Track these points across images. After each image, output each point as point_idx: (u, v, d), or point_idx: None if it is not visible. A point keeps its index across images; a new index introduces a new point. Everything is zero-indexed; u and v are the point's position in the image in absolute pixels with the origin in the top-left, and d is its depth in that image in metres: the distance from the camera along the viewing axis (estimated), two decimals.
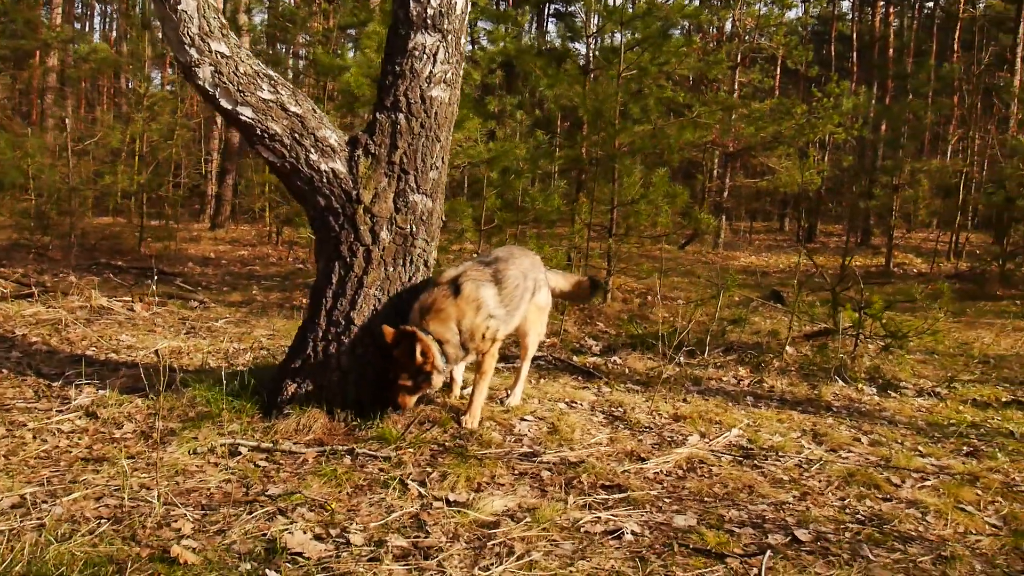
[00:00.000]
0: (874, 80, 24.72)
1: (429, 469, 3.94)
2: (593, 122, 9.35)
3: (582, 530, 3.37)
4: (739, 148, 19.93)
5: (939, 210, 17.90)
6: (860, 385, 6.52)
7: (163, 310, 8.00)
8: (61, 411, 4.63)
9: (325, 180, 4.54)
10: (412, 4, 4.61)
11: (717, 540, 3.33)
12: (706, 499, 3.82)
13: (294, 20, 15.34)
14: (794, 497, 3.92)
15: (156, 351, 6.26)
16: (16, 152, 11.56)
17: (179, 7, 4.36)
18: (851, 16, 34.50)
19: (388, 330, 4.24)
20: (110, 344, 6.49)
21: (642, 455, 4.32)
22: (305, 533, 3.16)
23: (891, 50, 26.50)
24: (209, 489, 3.65)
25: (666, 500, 3.77)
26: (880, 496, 4.00)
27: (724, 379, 6.53)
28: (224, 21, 4.57)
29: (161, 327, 7.20)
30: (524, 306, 4.71)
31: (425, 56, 4.64)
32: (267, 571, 2.85)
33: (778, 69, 25.39)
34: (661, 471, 4.14)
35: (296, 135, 4.51)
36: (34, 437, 4.22)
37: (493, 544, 3.18)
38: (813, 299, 9.78)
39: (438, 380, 4.33)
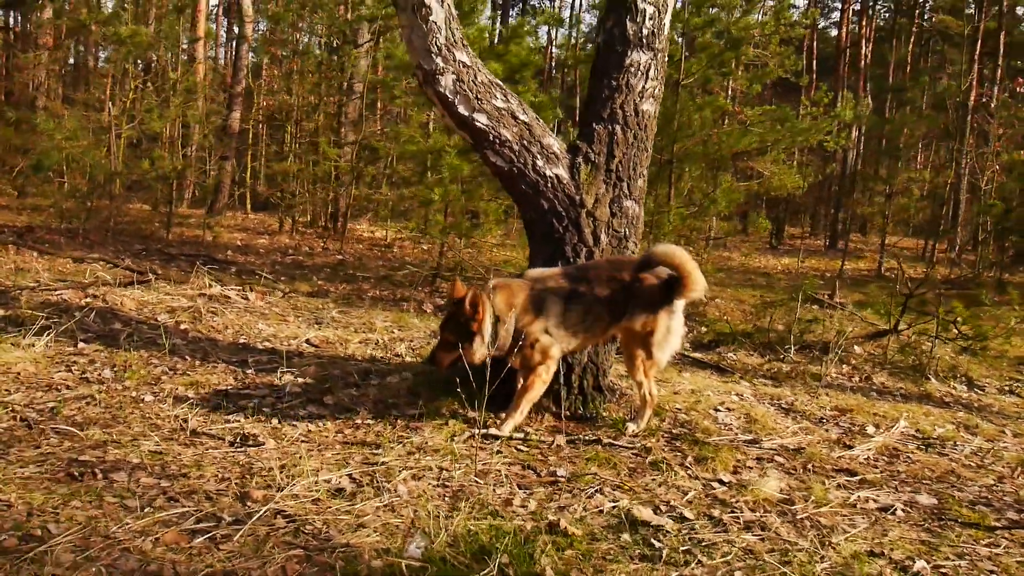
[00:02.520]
0: (860, 90, 25.86)
1: (677, 453, 4.33)
2: (663, 128, 9.81)
3: (858, 507, 3.81)
4: (733, 153, 20.62)
5: (928, 219, 18.99)
6: (952, 383, 7.14)
7: (275, 299, 8.15)
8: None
9: (549, 185, 4.87)
10: (629, 24, 4.98)
11: (975, 515, 3.81)
12: (925, 481, 4.31)
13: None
14: (994, 479, 4.43)
15: (307, 340, 6.48)
16: (58, 134, 11.41)
17: (430, 18, 4.66)
18: (837, 27, 35.75)
19: (460, 285, 4.45)
20: (253, 332, 6.67)
21: (845, 443, 4.79)
22: (644, 508, 3.53)
23: (863, 60, 27.70)
24: (500, 472, 3.96)
25: (895, 482, 4.24)
26: None
27: (835, 375, 7.06)
28: (463, 32, 4.87)
29: (287, 317, 7.38)
30: (596, 326, 4.56)
31: (639, 72, 5.01)
32: (650, 539, 3.21)
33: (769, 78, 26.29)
34: (868, 457, 4.61)
35: (524, 142, 4.84)
36: (279, 423, 4.46)
37: (802, 519, 3.59)
38: (859, 299, 10.44)
39: (480, 351, 4.33)
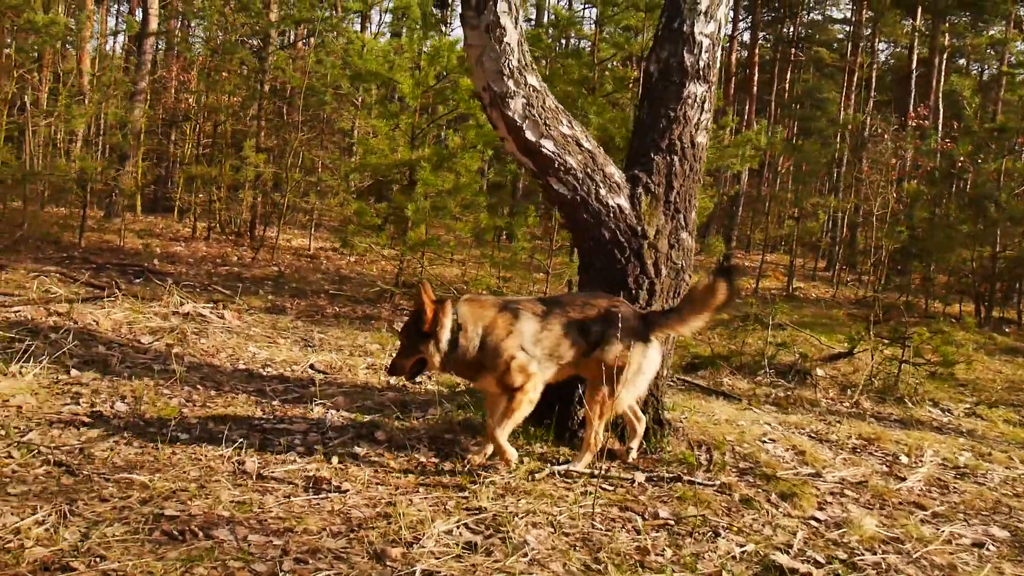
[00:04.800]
0: (770, 116, 27.04)
1: (758, 490, 4.33)
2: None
3: (953, 543, 3.91)
4: None
5: (830, 243, 20.06)
6: (925, 407, 7.51)
7: (251, 319, 7.66)
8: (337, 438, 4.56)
9: (612, 215, 4.79)
10: (687, 56, 4.96)
11: None
12: (983, 513, 4.47)
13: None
14: None
15: (312, 366, 6.13)
16: None
17: (504, 39, 4.50)
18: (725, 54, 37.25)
19: (429, 290, 4.26)
20: (248, 356, 6.25)
21: (896, 474, 4.93)
22: (778, 553, 3.48)
23: (754, 86, 29.02)
24: (592, 513, 3.82)
25: (960, 515, 4.38)
26: None
27: (821, 399, 7.28)
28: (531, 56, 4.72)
29: (275, 339, 6.95)
30: (571, 357, 4.38)
31: (696, 104, 5.00)
32: None
33: None
34: (922, 489, 4.75)
35: (588, 170, 4.74)
36: (340, 463, 4.18)
37: (917, 558, 3.65)
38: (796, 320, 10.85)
39: (436, 358, 4.22)
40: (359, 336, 7.77)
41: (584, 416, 4.50)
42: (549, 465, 4.34)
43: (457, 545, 3.29)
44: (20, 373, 5.06)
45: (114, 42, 20.67)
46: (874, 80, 32.12)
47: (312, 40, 14.35)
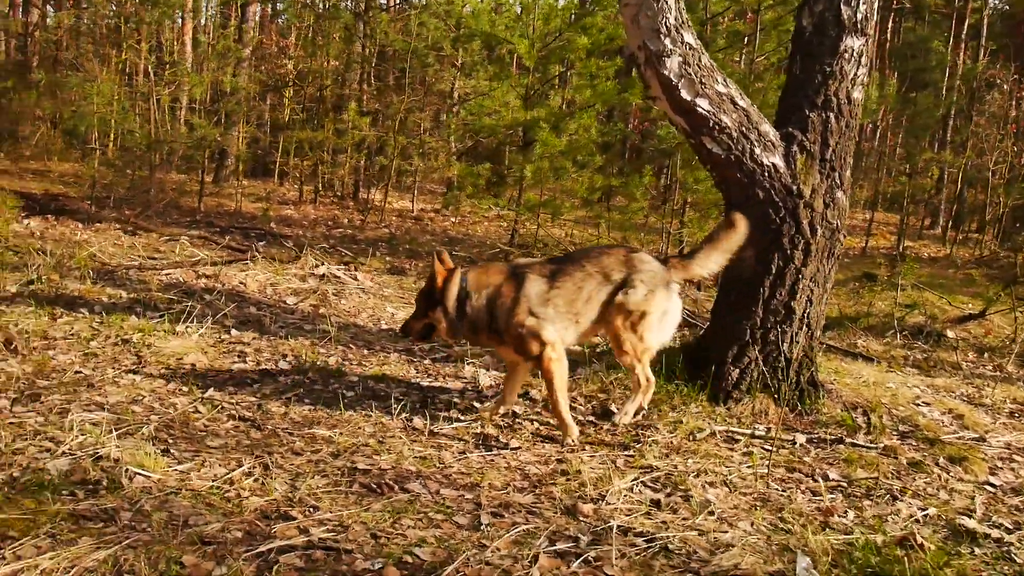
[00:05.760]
0: (885, 71, 25.92)
1: (923, 454, 4.25)
2: None
3: None
4: None
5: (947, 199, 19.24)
6: None
7: (381, 280, 7.86)
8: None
9: (767, 174, 4.70)
10: (844, 8, 4.79)
11: None
12: None
13: None
14: None
15: None
16: (95, 99, 10.79)
17: None
18: None
19: (446, 258, 4.26)
20: (387, 316, 6.41)
21: None
22: (964, 517, 3.43)
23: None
24: (759, 474, 3.81)
25: None
26: None
27: (961, 362, 7.06)
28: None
29: (407, 298, 7.12)
30: (595, 313, 4.24)
31: (852, 58, 4.83)
32: (1004, 552, 3.12)
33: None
34: None
35: (743, 128, 4.65)
36: (502, 421, 4.27)
37: None
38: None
39: (443, 323, 4.20)
40: None
41: (632, 377, 4.39)
42: (709, 424, 4.34)
43: (641, 503, 3.35)
44: (187, 332, 5.32)
45: (215, 12, 21.11)
46: (985, 27, 30.39)
47: (415, 1, 14.33)
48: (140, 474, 3.19)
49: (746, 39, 10.44)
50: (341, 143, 14.93)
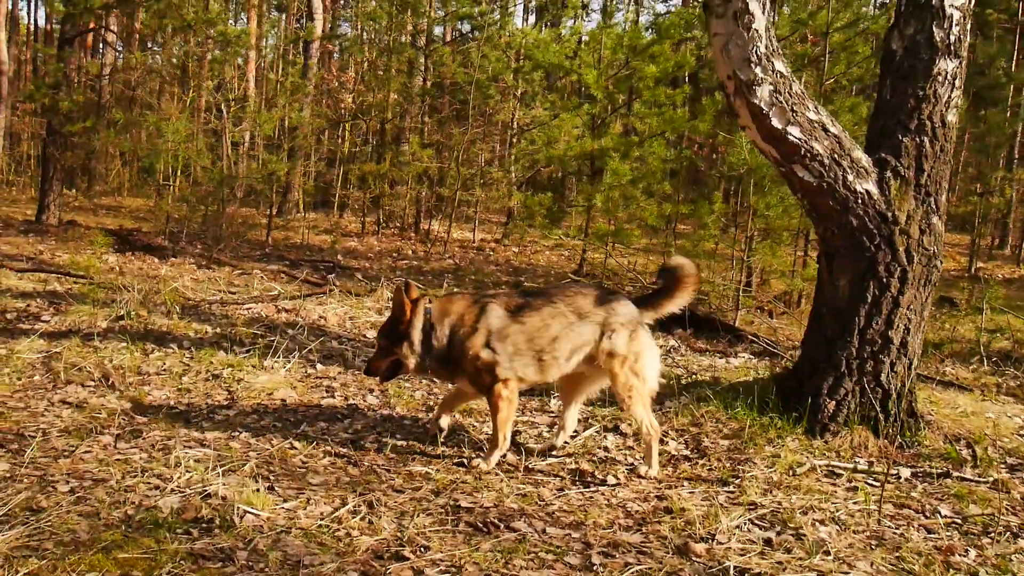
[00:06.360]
0: None
1: None
2: None
3: None
4: None
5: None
6: None
7: None
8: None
9: (860, 201, 4.61)
10: (936, 31, 4.70)
11: None
12: None
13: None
14: None
15: None
16: (171, 136, 11.13)
17: (752, 25, 4.40)
18: None
19: (413, 289, 4.10)
20: None
21: None
22: None
23: None
24: (868, 510, 3.68)
25: None
26: None
27: None
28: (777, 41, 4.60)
29: None
30: (563, 352, 4.07)
31: (946, 81, 4.73)
32: None
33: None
34: None
35: (835, 155, 4.57)
36: (591, 455, 4.21)
37: None
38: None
39: (410, 360, 4.03)
40: None
41: (639, 426, 4.16)
42: (808, 459, 4.23)
43: (753, 542, 3.26)
44: (274, 367, 5.39)
45: (283, 49, 21.65)
46: None
47: (478, 35, 14.51)
48: (250, 512, 3.22)
49: (806, 60, 10.30)
50: (401, 175, 15.13)
